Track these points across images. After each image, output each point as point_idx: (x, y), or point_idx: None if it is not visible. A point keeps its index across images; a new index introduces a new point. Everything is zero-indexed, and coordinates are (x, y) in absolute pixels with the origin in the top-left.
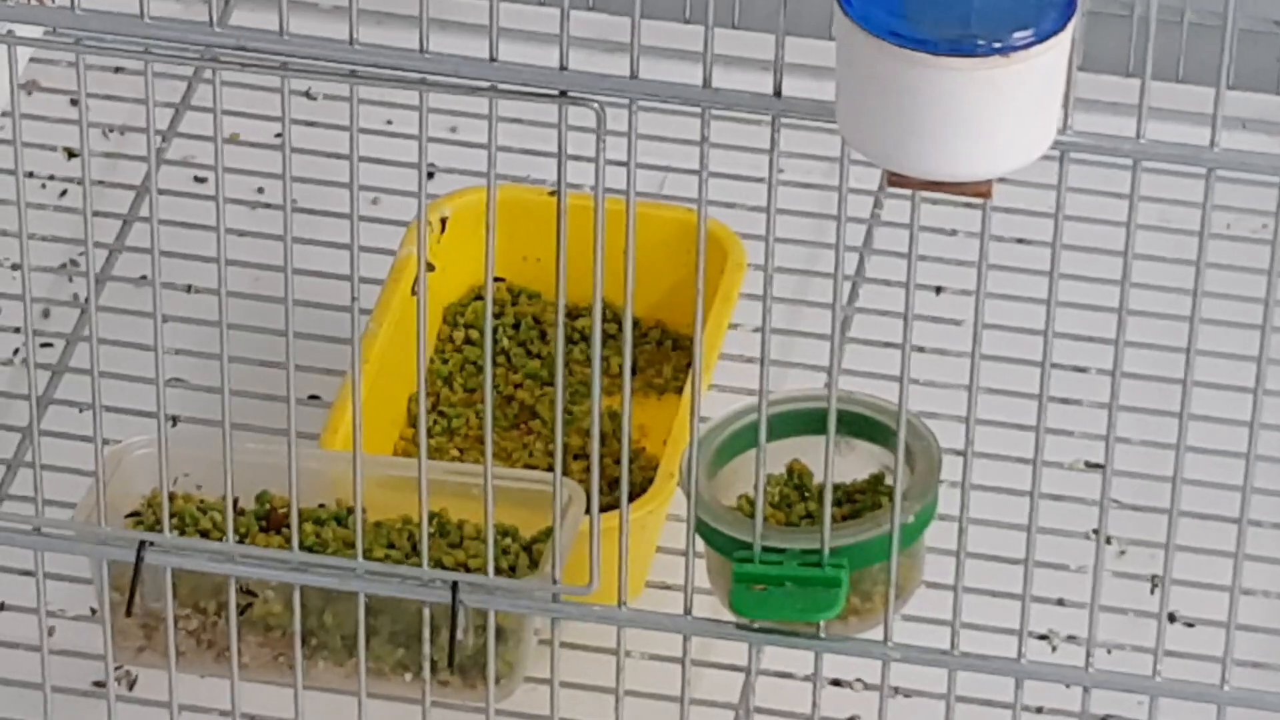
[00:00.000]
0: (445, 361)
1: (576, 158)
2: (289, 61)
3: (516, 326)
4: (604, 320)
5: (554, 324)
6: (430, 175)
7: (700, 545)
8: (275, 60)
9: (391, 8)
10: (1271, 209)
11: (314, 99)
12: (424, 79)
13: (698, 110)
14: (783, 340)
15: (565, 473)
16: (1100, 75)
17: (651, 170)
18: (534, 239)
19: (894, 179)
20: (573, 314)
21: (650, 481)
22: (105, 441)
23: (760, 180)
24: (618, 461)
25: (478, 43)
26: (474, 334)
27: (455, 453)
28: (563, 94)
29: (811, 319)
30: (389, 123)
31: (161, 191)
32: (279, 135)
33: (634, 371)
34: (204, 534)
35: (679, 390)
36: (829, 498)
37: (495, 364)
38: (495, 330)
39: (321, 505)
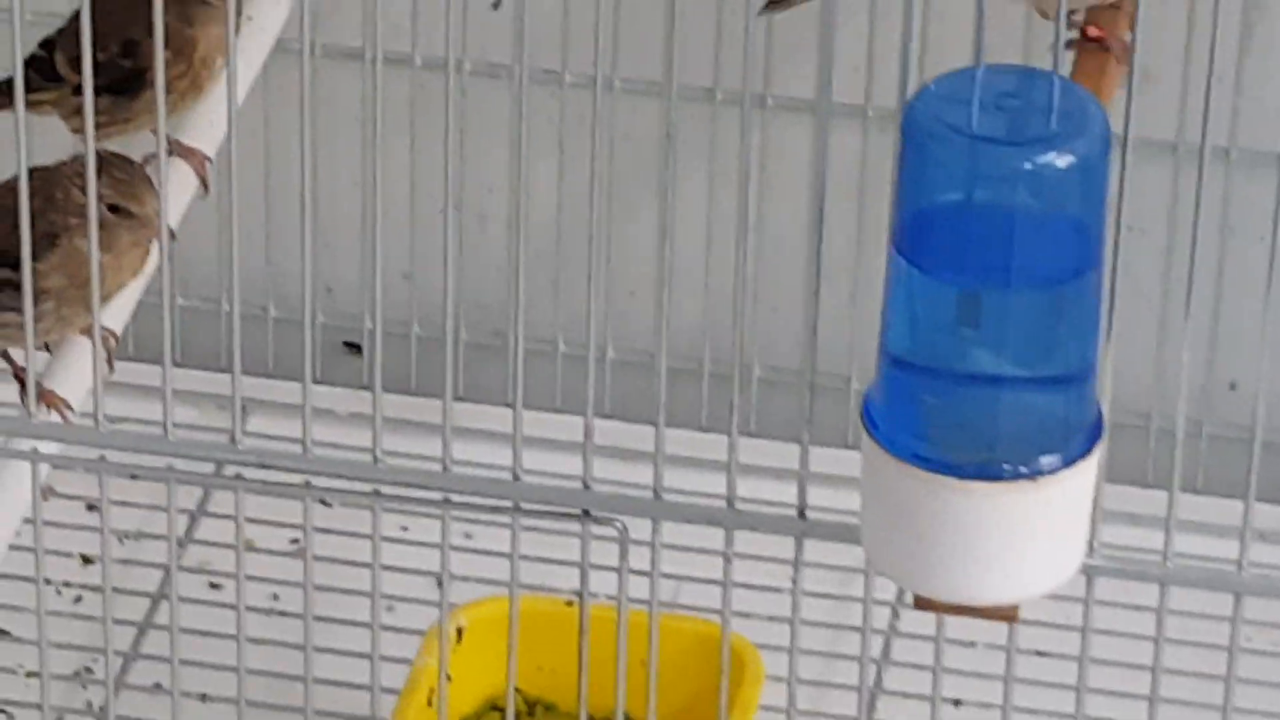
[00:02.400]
0: None
1: (596, 566)
2: (311, 481)
3: None
4: None
5: None
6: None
7: None
8: (298, 479)
9: (411, 415)
10: None
11: (329, 505)
12: (447, 498)
13: None
14: None
15: None
16: (1119, 486)
17: (668, 579)
18: (550, 649)
19: (920, 602)
20: None
21: None
22: None
23: (777, 590)
24: None
25: (500, 450)
26: None
27: None
28: (586, 513)
29: None
30: (404, 529)
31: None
32: (294, 542)
33: None
34: None
35: None
36: None
37: None
38: None
39: None
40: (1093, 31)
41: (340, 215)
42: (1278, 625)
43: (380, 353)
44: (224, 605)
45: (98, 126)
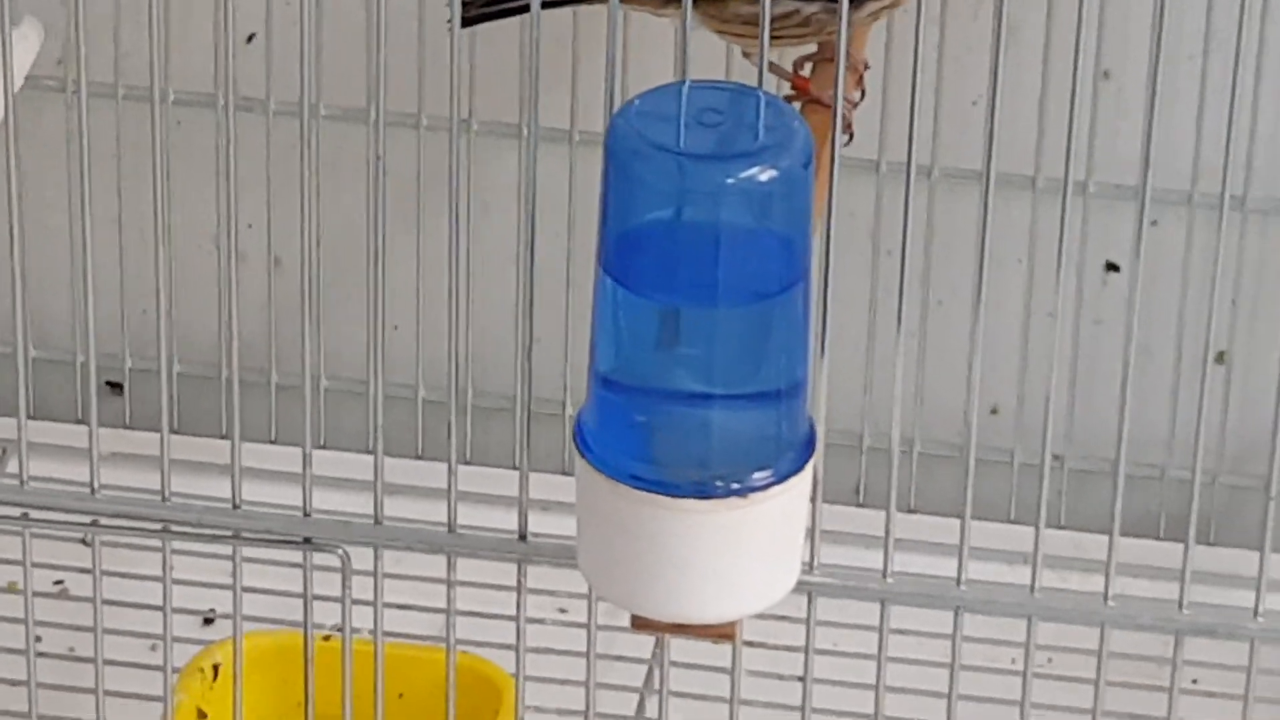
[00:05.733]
0: None
1: (360, 602)
2: (30, 514)
3: None
4: None
5: None
6: (210, 621)
7: None
8: (15, 514)
9: (136, 449)
10: (1020, 639)
11: (89, 545)
12: (166, 527)
13: None
14: None
15: None
16: (839, 507)
17: (414, 611)
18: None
19: (637, 622)
20: None
21: None
22: None
23: (538, 622)
24: None
25: (221, 483)
26: None
27: None
28: (307, 541)
29: None
30: (172, 568)
31: None
32: (58, 583)
33: None
34: None
35: None
36: None
37: None
38: None
39: None
40: (799, 84)
41: (98, 254)
42: (995, 641)
43: (94, 386)
44: None
45: None
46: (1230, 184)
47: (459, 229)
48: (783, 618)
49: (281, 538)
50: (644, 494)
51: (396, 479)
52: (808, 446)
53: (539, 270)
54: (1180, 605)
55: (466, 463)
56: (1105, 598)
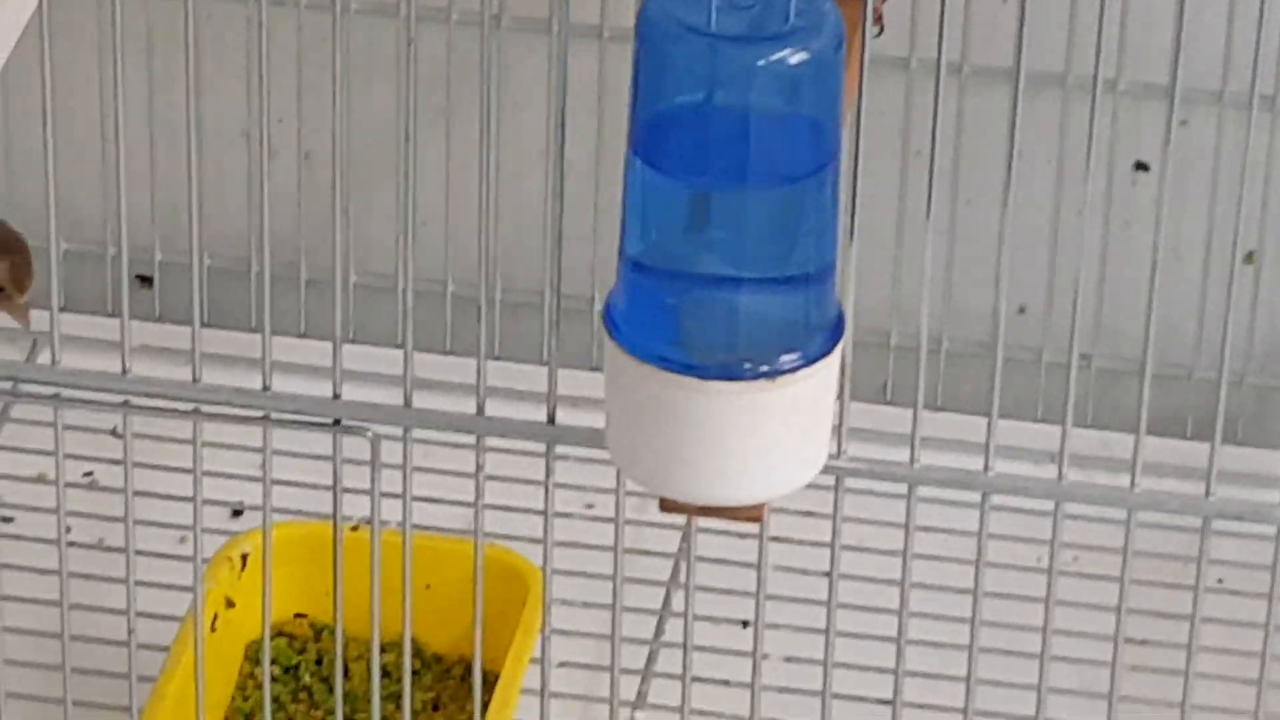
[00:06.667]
0: (246, 699)
1: (389, 495)
2: (61, 393)
3: (319, 662)
4: (397, 656)
5: (355, 659)
6: (238, 513)
7: None
8: (46, 394)
9: (165, 342)
10: (1046, 537)
11: (119, 436)
12: (197, 409)
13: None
14: (590, 675)
15: None
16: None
17: (442, 504)
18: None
19: (666, 504)
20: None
21: None
22: None
23: (566, 516)
24: None
25: (251, 376)
26: (276, 670)
27: None
28: (337, 423)
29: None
30: (201, 459)
31: None
32: (87, 474)
33: (436, 708)
34: None
35: None
36: None
37: (298, 700)
38: (298, 666)
39: None
40: None
41: (129, 148)
42: (1021, 539)
43: (125, 278)
44: (12, 537)
45: None
46: (1260, 83)
47: (489, 124)
48: (809, 513)
49: (311, 419)
50: (672, 376)
51: (424, 374)
52: (836, 330)
53: (568, 166)
54: (1207, 493)
55: (495, 358)
56: (1132, 488)
